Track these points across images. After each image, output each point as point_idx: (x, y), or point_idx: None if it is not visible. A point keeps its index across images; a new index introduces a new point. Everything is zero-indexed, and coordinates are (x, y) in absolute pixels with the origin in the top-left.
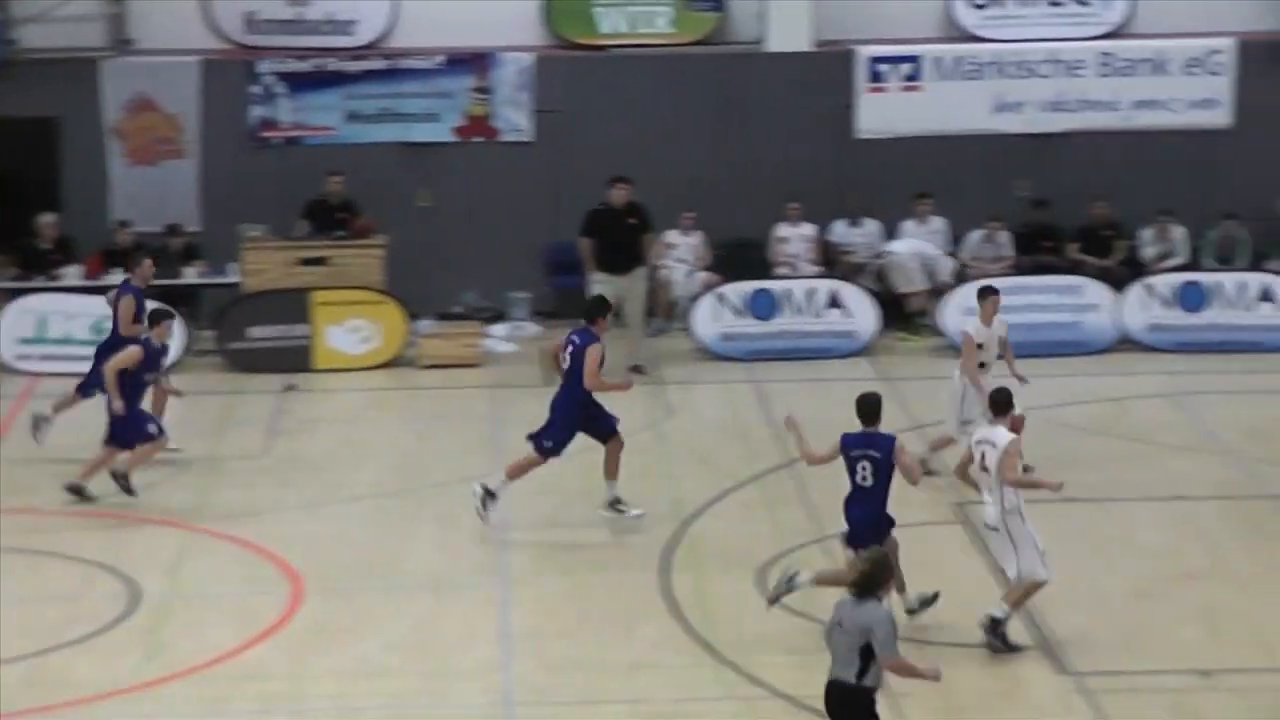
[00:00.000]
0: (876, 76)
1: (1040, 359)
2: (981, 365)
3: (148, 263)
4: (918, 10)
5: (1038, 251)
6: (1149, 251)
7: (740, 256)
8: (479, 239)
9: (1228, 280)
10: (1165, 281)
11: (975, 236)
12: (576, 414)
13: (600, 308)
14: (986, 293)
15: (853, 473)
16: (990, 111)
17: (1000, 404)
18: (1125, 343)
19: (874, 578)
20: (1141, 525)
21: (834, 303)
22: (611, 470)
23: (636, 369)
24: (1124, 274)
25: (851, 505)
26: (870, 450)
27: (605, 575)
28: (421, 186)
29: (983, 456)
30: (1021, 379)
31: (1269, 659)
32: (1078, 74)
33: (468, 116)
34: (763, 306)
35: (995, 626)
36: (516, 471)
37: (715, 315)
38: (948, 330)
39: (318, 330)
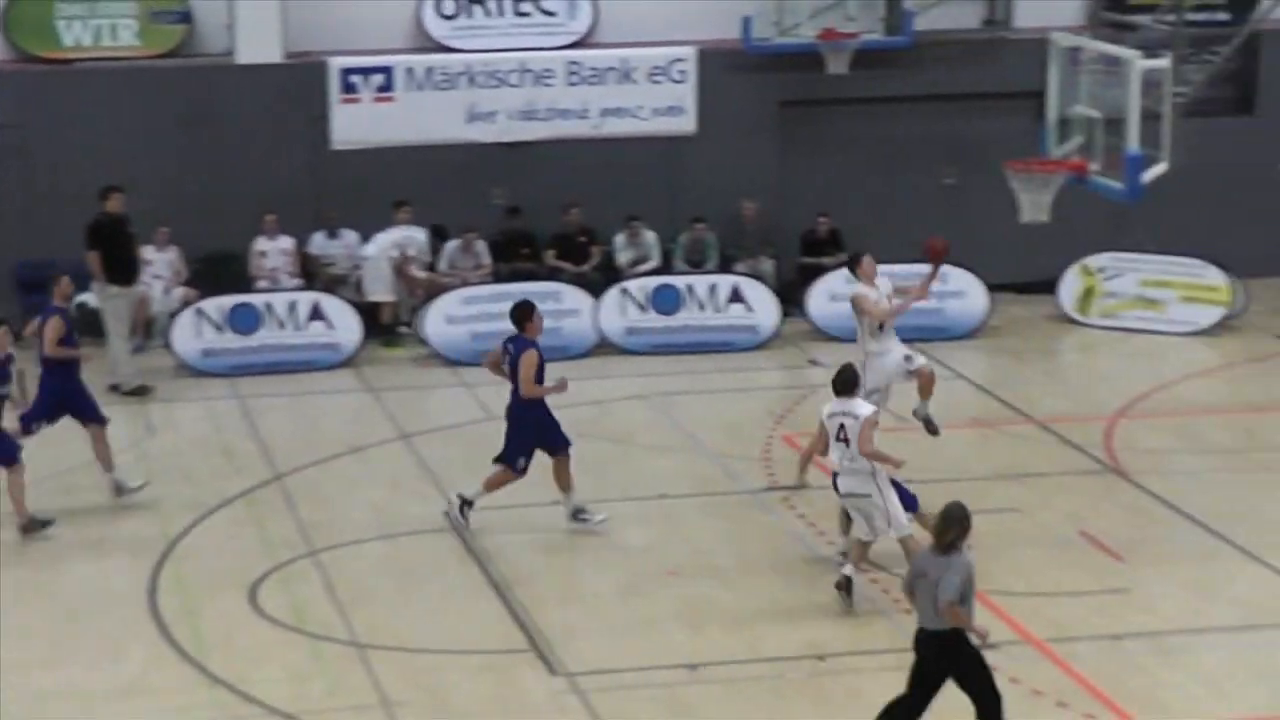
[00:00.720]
0: (349, 87)
1: None
2: (881, 327)
3: (65, 280)
4: (388, 21)
5: (515, 259)
6: (623, 257)
7: (219, 270)
8: None
9: (699, 283)
10: (639, 286)
11: (452, 246)
12: (530, 423)
13: (526, 310)
14: (857, 259)
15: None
16: (464, 121)
17: (848, 382)
18: (604, 346)
19: (946, 531)
20: (626, 524)
21: (316, 315)
22: (564, 483)
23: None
24: (599, 279)
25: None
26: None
27: (90, 601)
28: None
29: (841, 429)
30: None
31: (752, 650)
32: (547, 83)
33: None
34: (244, 321)
35: (849, 584)
36: (493, 486)
37: (196, 331)
38: (430, 339)
39: None
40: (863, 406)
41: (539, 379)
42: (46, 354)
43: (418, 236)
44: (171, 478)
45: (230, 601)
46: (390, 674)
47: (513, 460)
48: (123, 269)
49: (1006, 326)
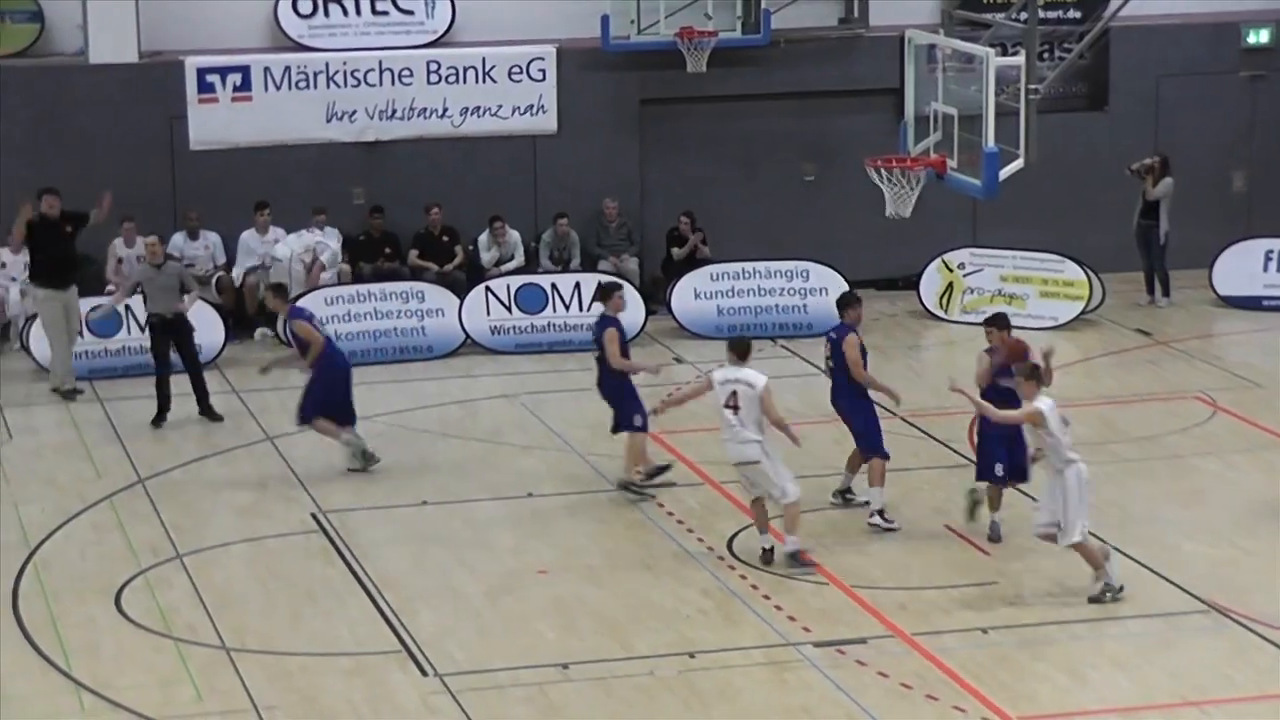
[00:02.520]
0: (206, 87)
1: (386, 365)
2: None
3: None
4: (245, 20)
5: (378, 259)
6: (487, 256)
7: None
8: None
9: (563, 281)
10: (504, 284)
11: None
12: (628, 390)
13: (609, 290)
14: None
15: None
16: (323, 121)
17: (743, 350)
18: (469, 346)
19: None
20: (494, 524)
21: None
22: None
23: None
24: (463, 279)
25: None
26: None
27: None
28: None
29: (733, 395)
30: None
31: (623, 648)
32: (406, 82)
33: None
34: (104, 326)
35: (796, 555)
36: (638, 458)
37: None
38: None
39: None
40: (757, 376)
41: (624, 353)
42: None
43: (330, 243)
44: (31, 482)
45: (95, 607)
46: (259, 678)
47: (629, 424)
48: (54, 272)
49: (869, 323)
